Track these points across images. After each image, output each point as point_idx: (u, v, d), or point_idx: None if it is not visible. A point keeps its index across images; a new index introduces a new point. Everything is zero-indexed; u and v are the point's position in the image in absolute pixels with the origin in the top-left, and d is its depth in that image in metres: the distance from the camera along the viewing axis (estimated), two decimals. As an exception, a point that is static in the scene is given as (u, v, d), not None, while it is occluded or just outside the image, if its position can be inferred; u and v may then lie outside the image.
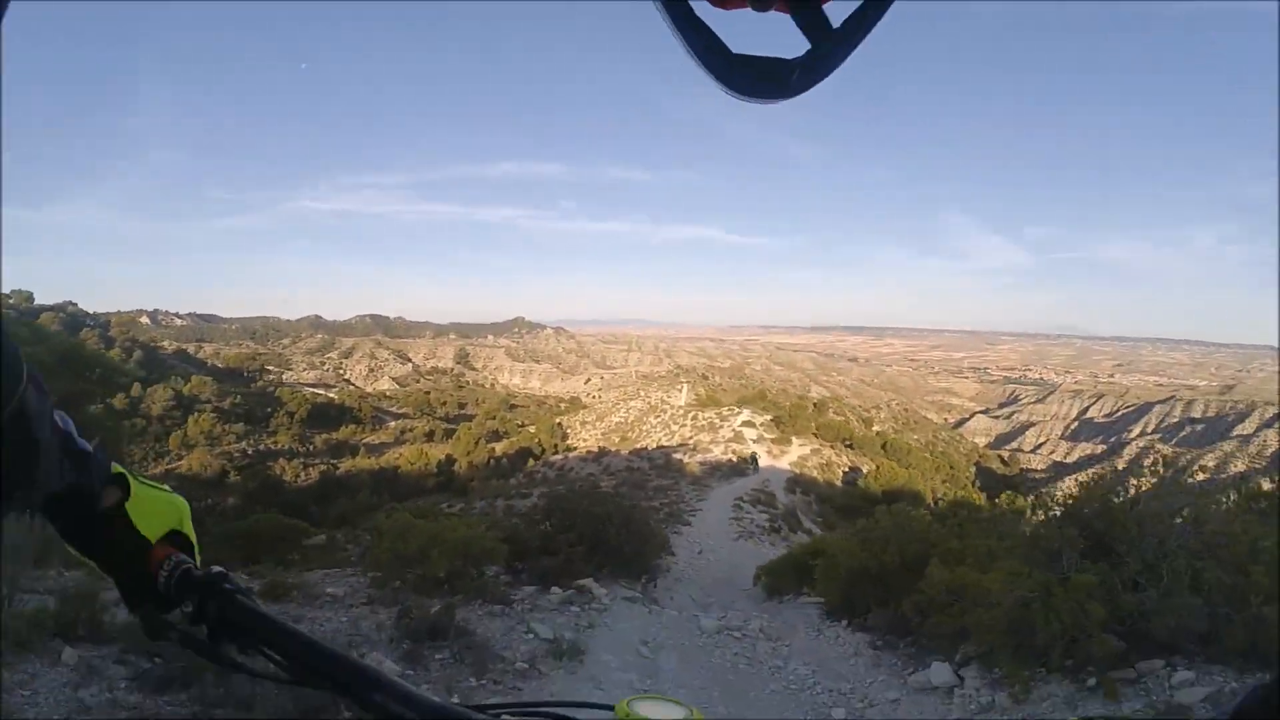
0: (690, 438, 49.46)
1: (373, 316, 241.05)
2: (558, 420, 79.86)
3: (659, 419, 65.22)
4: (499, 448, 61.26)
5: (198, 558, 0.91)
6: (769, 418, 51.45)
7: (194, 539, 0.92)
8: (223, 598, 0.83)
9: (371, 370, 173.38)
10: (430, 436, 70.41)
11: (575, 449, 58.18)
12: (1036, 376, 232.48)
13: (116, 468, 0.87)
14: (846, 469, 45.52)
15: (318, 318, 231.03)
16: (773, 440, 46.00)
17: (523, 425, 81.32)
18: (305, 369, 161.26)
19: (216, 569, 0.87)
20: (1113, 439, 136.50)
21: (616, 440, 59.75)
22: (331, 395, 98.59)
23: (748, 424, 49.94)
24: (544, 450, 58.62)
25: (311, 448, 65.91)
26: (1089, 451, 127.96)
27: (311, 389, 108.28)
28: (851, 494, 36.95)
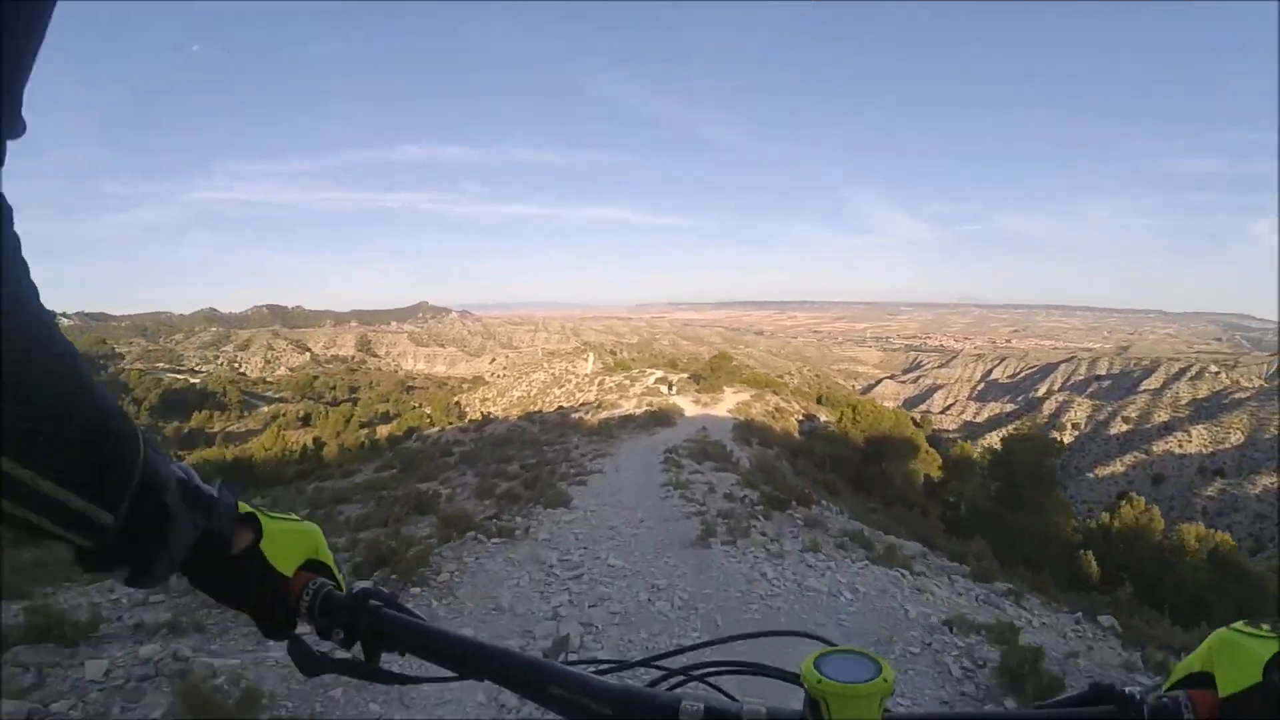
0: (596, 399, 41.42)
1: (270, 307, 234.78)
2: (455, 399, 73.43)
3: (563, 389, 60.14)
4: (386, 429, 54.98)
5: (340, 579, 0.89)
6: (685, 375, 43.67)
7: (332, 563, 0.89)
8: (371, 614, 0.81)
9: (268, 362, 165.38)
10: (306, 421, 60.22)
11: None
12: (937, 344, 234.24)
13: (244, 506, 0.83)
14: (800, 415, 38.73)
15: (213, 311, 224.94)
16: (698, 390, 38.54)
17: (418, 406, 74.14)
18: (198, 364, 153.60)
19: (361, 585, 0.85)
20: (1020, 398, 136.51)
21: (517, 413, 52.67)
22: (193, 381, 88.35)
23: (662, 380, 42.11)
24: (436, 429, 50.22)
25: (161, 438, 55.31)
26: (999, 410, 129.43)
27: (175, 374, 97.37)
28: (836, 442, 30.08)
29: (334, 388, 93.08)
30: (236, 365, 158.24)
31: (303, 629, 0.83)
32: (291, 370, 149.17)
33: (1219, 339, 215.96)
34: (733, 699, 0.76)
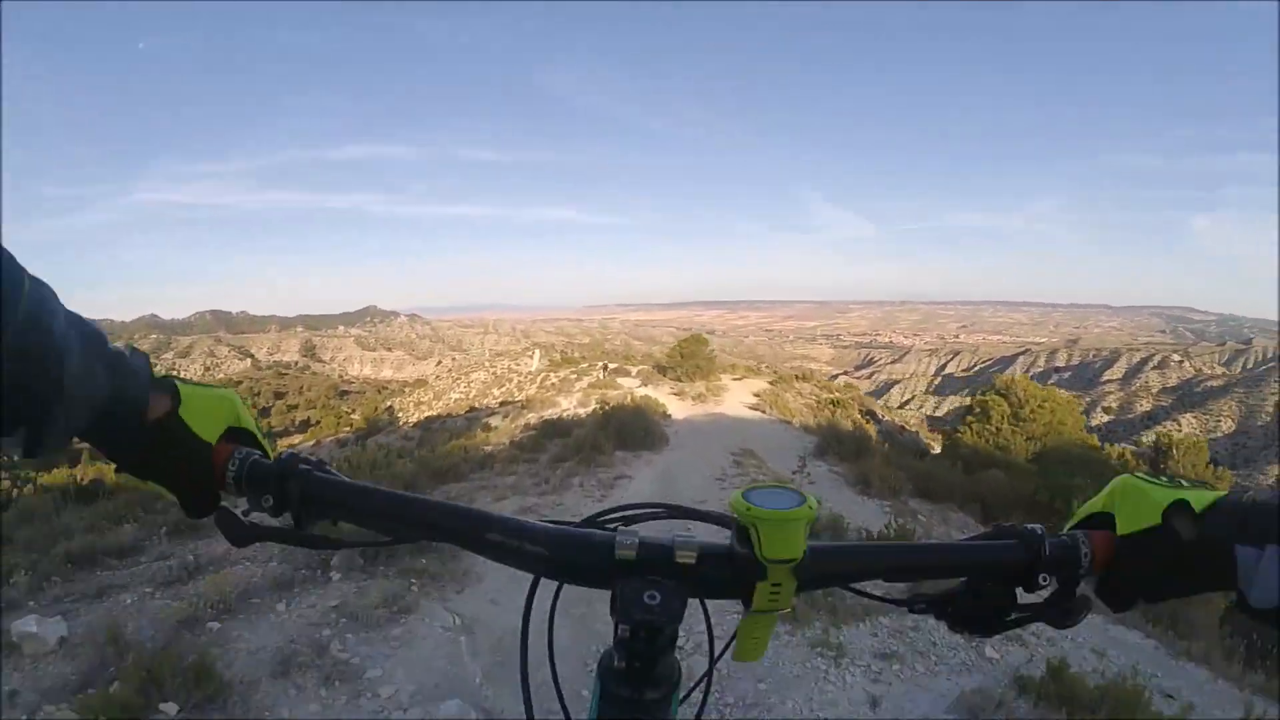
0: (524, 396, 32.57)
1: (213, 313, 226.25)
2: (388, 403, 64.49)
3: (504, 389, 52.12)
4: (299, 439, 48.26)
5: (266, 446, 0.82)
6: (647, 366, 34.77)
7: (255, 428, 0.82)
8: (300, 478, 0.75)
9: (208, 369, 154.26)
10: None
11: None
12: (887, 340, 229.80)
13: (159, 371, 0.75)
14: (860, 412, 30.14)
15: (154, 317, 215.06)
16: (676, 380, 28.44)
17: (351, 412, 65.96)
18: None
19: (287, 452, 0.79)
20: (979, 391, 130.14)
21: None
22: None
23: (619, 372, 33.20)
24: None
25: (11, 458, 45.18)
26: (959, 404, 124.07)
27: None
28: (1010, 468, 18.80)
29: (258, 394, 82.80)
30: (176, 373, 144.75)
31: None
32: (230, 377, 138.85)
33: (1163, 331, 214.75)
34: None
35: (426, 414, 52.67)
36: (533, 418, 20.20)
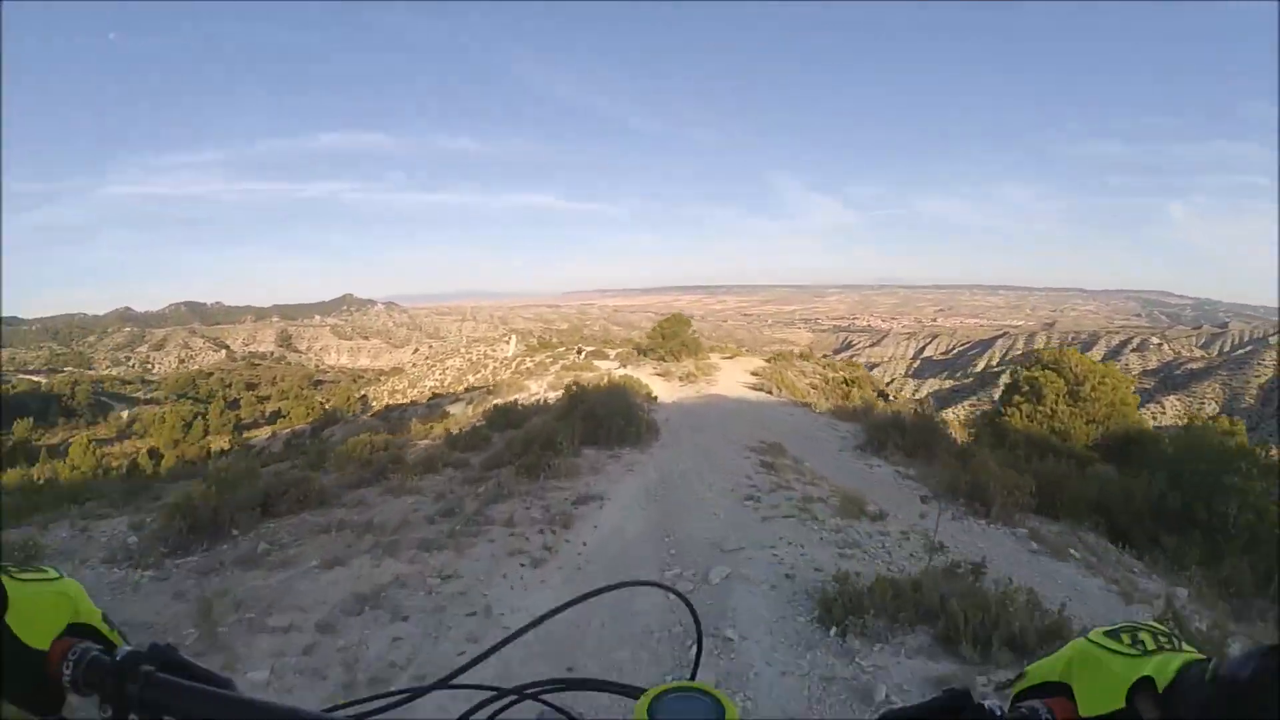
0: (491, 380, 30.98)
1: (188, 305, 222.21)
2: (361, 392, 63.10)
3: (478, 375, 52.98)
4: (268, 430, 45.78)
5: (113, 636, 0.75)
6: (626, 349, 33.00)
7: (99, 621, 0.75)
8: (141, 681, 0.68)
9: (183, 361, 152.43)
10: (189, 426, 47.81)
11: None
12: (864, 324, 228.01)
13: None
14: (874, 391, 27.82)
15: (128, 310, 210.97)
16: (659, 360, 26.47)
17: (325, 401, 65.47)
18: (108, 365, 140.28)
19: (129, 649, 0.72)
20: (958, 373, 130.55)
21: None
22: (37, 380, 75.27)
23: (597, 355, 31.39)
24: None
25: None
26: (939, 386, 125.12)
27: (25, 375, 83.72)
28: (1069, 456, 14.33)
29: (229, 385, 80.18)
30: (149, 366, 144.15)
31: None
32: (202, 369, 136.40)
33: (1139, 315, 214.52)
34: (564, 713, 0.72)
35: (400, 401, 51.21)
36: (498, 404, 18.48)
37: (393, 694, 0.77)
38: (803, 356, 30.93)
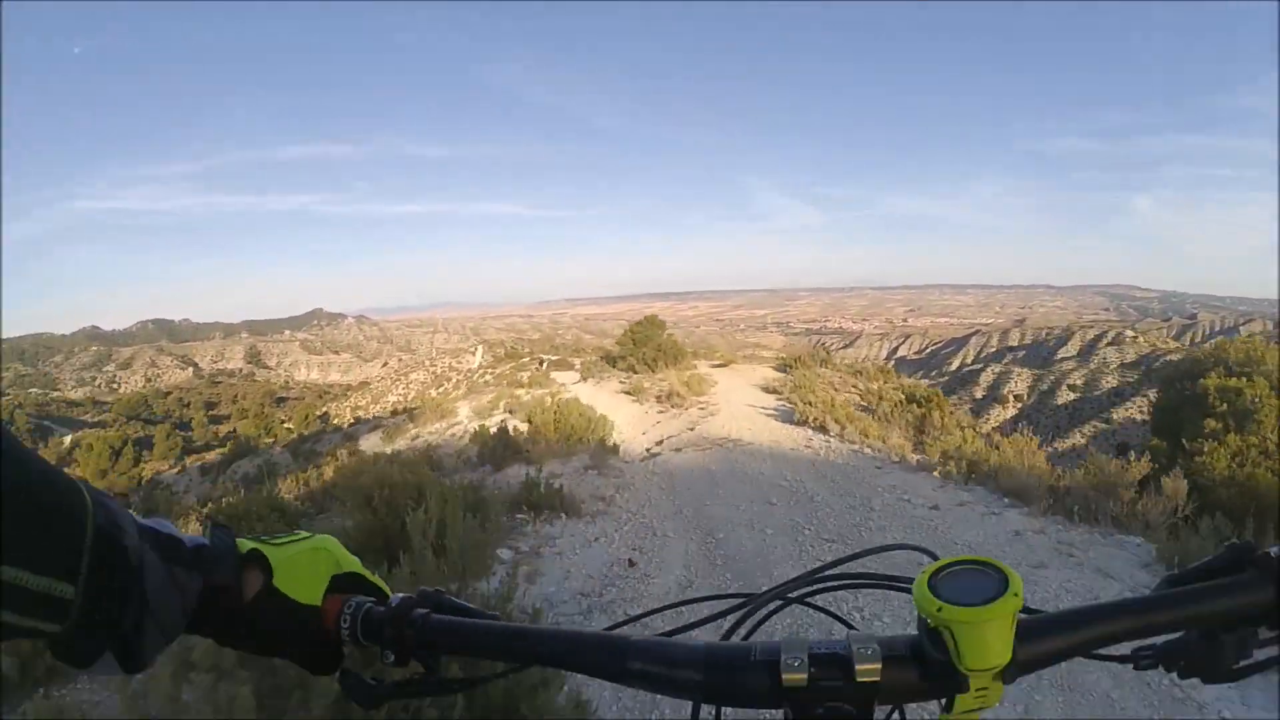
0: (431, 403, 26.86)
1: (155, 321, 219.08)
2: (322, 409, 59.95)
3: (442, 389, 51.36)
4: (216, 453, 40.95)
5: (380, 584, 0.78)
6: (594, 357, 29.67)
7: (362, 569, 0.78)
8: (416, 625, 0.71)
9: (149, 380, 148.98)
10: (118, 454, 43.72)
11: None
12: (836, 326, 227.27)
13: (244, 544, 0.71)
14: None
15: (94, 328, 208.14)
16: (630, 370, 22.08)
17: (285, 420, 62.52)
18: (74, 386, 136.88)
19: (399, 596, 0.75)
20: (934, 372, 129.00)
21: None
22: None
23: (561, 365, 28.32)
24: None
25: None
26: (914, 387, 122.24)
27: None
28: None
29: (187, 405, 76.21)
30: (116, 385, 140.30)
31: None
32: (164, 388, 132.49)
33: (1107, 309, 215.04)
34: (843, 621, 0.71)
35: (364, 416, 48.20)
36: (418, 435, 15.35)
37: (656, 610, 0.79)
38: (822, 362, 22.88)
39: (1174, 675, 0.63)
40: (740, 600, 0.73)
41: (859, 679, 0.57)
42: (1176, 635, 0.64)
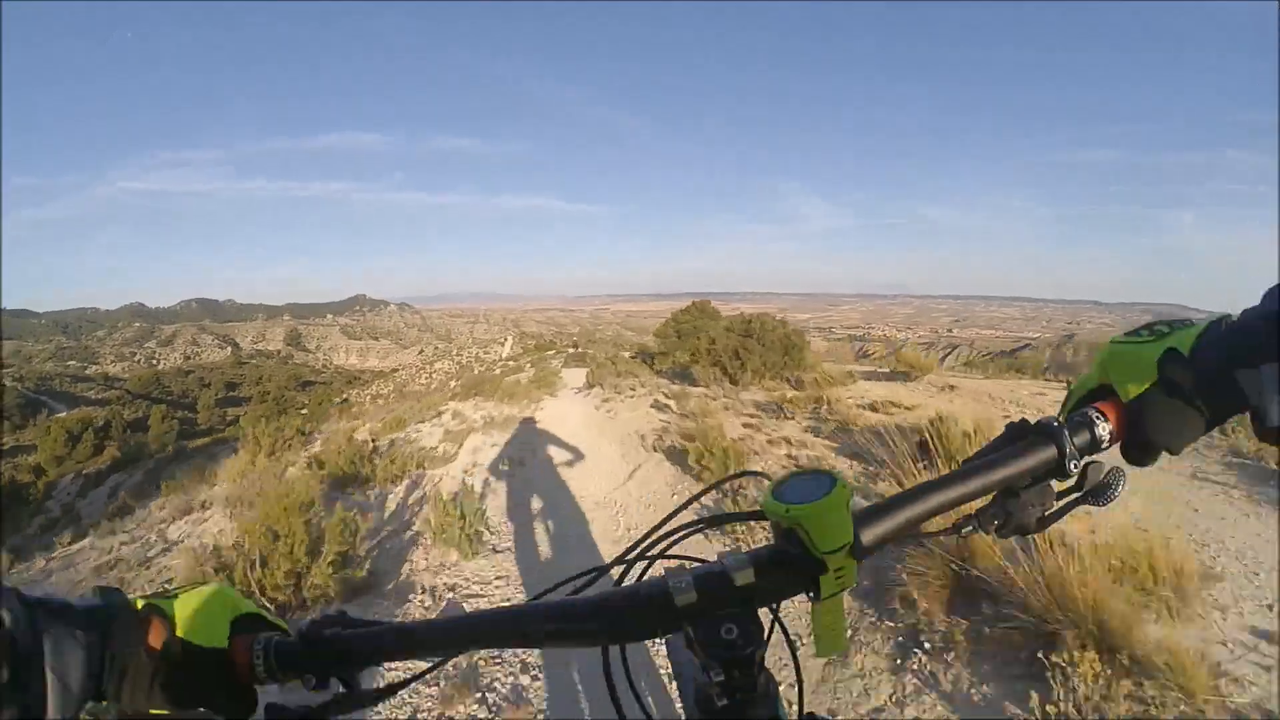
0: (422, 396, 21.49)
1: (199, 301, 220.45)
2: (343, 396, 56.23)
3: (475, 374, 43.43)
4: (202, 441, 38.24)
5: (279, 623, 0.78)
6: (626, 354, 24.43)
7: (259, 608, 0.77)
8: (328, 644, 0.72)
9: (188, 358, 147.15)
10: (105, 429, 39.37)
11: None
12: (880, 334, 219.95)
13: (137, 601, 0.69)
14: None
15: (139, 305, 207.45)
16: (680, 382, 13.99)
17: (301, 408, 56.15)
18: (113, 360, 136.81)
19: (305, 622, 0.75)
20: None
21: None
22: None
23: (578, 358, 23.37)
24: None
25: None
26: None
27: None
28: None
29: (207, 384, 72.67)
30: (155, 361, 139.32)
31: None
32: (191, 368, 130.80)
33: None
34: (705, 561, 0.76)
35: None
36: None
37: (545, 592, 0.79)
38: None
39: (995, 536, 0.76)
40: (605, 566, 0.78)
41: (738, 583, 0.65)
42: (986, 503, 0.76)
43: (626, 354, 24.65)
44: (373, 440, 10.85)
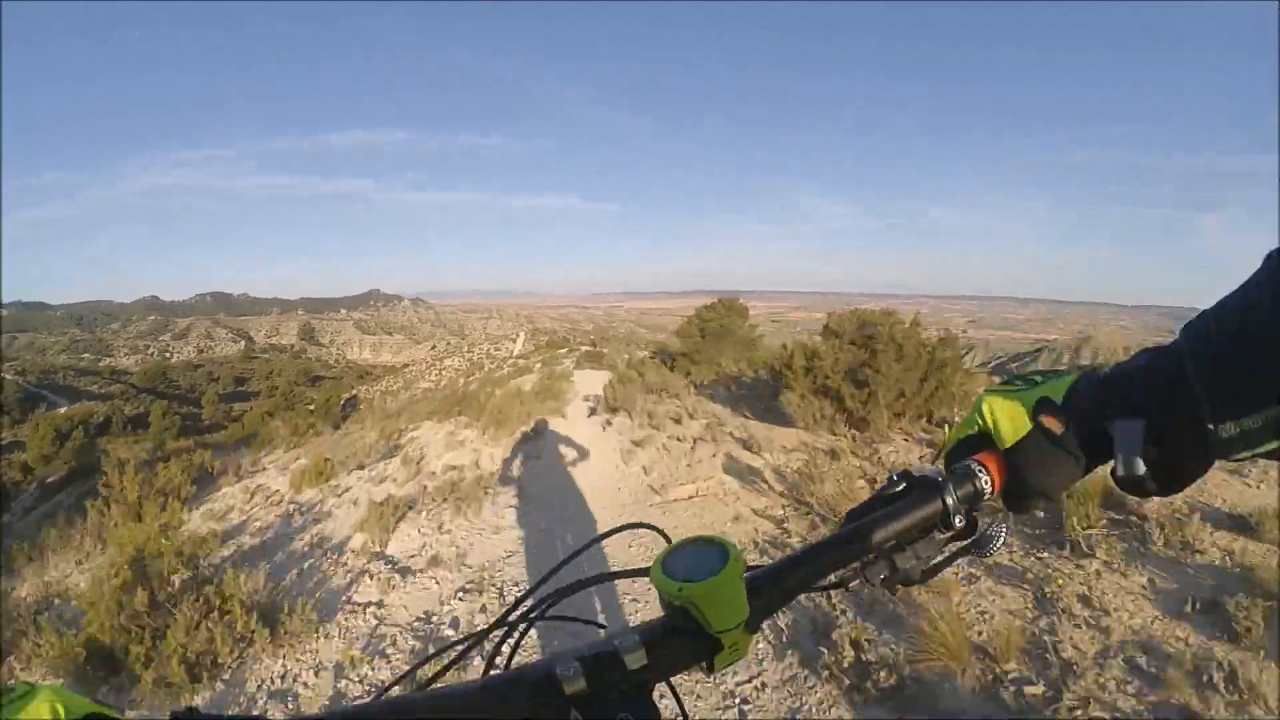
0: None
1: (214, 295, 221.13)
2: (351, 392, 55.09)
3: (474, 378, 41.68)
4: (226, 435, 34.03)
5: (119, 716, 0.66)
6: (644, 354, 22.24)
7: (96, 707, 0.64)
8: None
9: (201, 351, 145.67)
10: (105, 425, 37.89)
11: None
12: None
13: None
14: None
15: (154, 299, 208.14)
16: (725, 394, 11.09)
17: (308, 403, 55.01)
18: (127, 354, 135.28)
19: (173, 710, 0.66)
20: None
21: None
22: None
23: (593, 356, 21.35)
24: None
25: None
26: None
27: None
28: None
29: (215, 379, 71.31)
30: (168, 355, 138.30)
31: None
32: (200, 362, 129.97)
33: (1173, 331, 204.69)
34: (594, 624, 0.75)
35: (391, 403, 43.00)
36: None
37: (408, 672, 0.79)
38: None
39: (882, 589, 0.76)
40: (483, 632, 0.74)
41: (631, 667, 0.62)
42: (871, 556, 0.75)
43: (642, 353, 22.60)
44: (245, 511, 7.91)
